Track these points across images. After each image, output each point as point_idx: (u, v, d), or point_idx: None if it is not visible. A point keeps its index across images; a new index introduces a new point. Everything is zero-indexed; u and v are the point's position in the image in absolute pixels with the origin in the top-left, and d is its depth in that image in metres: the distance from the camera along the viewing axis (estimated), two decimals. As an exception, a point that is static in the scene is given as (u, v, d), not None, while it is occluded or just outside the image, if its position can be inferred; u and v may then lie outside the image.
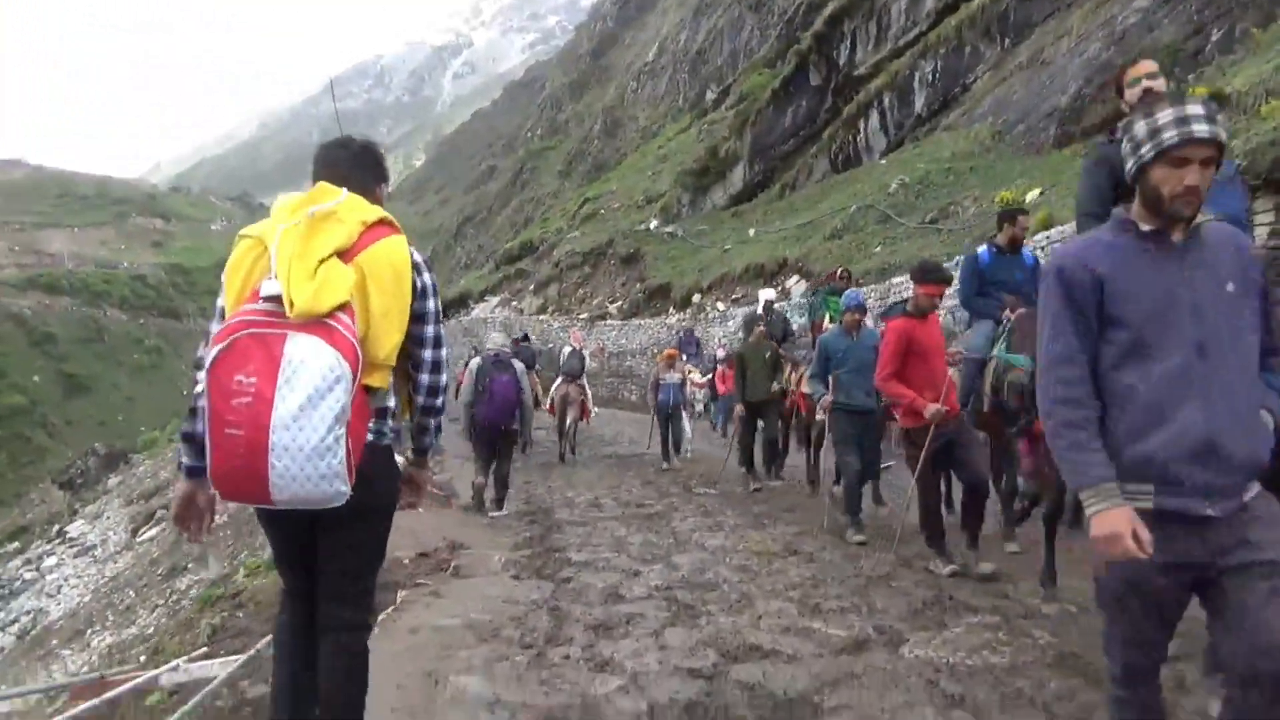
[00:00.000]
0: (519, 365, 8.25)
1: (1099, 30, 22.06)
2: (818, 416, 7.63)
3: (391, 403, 2.46)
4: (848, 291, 7.67)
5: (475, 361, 8.45)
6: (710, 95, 47.80)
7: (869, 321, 7.50)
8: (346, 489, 2.11)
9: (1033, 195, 15.10)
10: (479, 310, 39.21)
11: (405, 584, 5.45)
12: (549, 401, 13.06)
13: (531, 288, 36.46)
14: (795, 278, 21.25)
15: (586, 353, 15.70)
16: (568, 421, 12.73)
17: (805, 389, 7.89)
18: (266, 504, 2.12)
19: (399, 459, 2.63)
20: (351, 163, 2.56)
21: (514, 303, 37.55)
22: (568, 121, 77.30)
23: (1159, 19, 20.73)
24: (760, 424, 9.19)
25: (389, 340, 2.30)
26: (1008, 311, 5.68)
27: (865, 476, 6.68)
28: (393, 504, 2.54)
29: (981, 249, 6.48)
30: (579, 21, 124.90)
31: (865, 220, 21.27)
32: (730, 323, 21.56)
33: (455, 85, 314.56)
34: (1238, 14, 18.49)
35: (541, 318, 33.05)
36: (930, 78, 26.78)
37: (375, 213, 2.36)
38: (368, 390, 2.25)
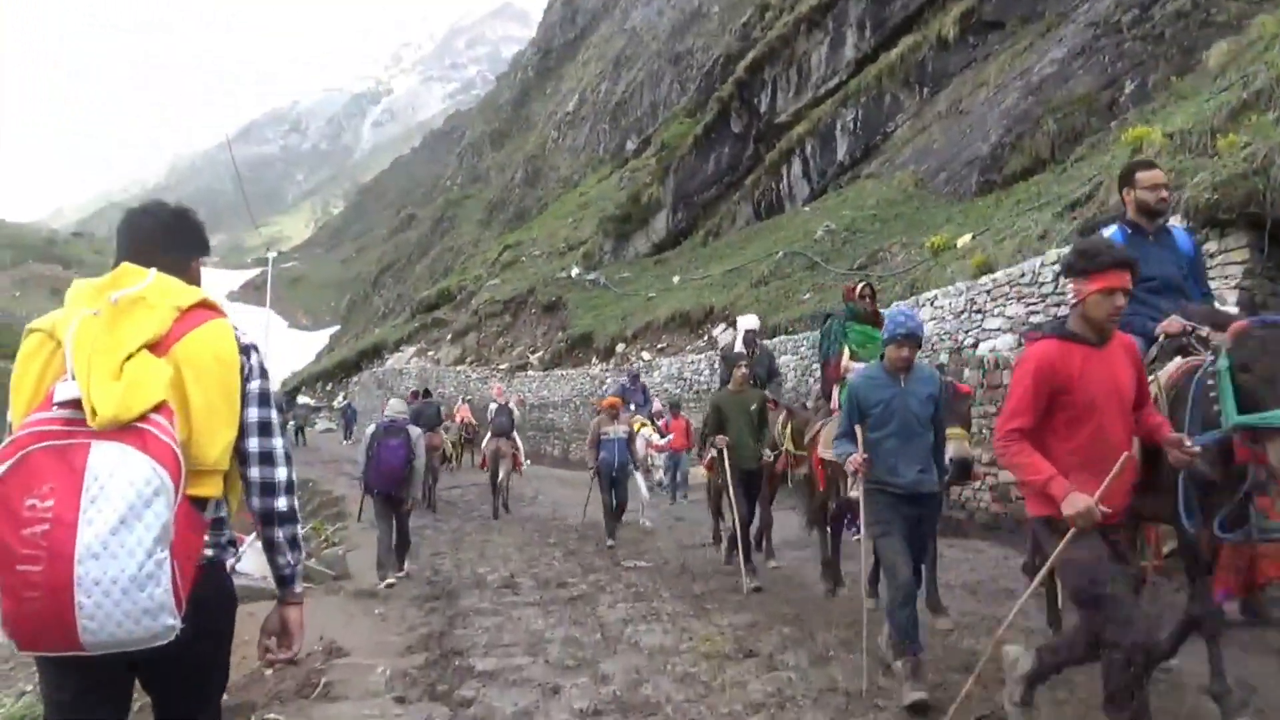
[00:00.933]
0: (414, 430, 8.12)
1: (1015, 80, 22.36)
2: (851, 493, 5.32)
3: (223, 513, 2.11)
4: (894, 311, 4.91)
5: (370, 428, 8.46)
6: (631, 145, 47.96)
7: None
8: (176, 622, 1.80)
9: (964, 240, 14.75)
10: (393, 361, 37.57)
11: (260, 710, 4.24)
12: (480, 457, 13.24)
13: (449, 337, 35.07)
14: (722, 326, 20.55)
15: (513, 405, 15.41)
16: (500, 475, 12.59)
17: (826, 453, 5.70)
18: (76, 651, 1.76)
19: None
20: (161, 234, 2.21)
21: (430, 353, 36.05)
22: (489, 170, 77.62)
23: (1074, 70, 21.09)
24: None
25: (218, 440, 1.99)
26: (1171, 324, 3.68)
27: (915, 587, 4.38)
28: (230, 627, 2.16)
29: (1111, 229, 4.07)
30: (500, 71, 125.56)
31: (792, 267, 20.81)
32: (656, 373, 20.69)
33: (374, 133, 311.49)
34: (1149, 65, 18.83)
35: (460, 368, 31.67)
36: (852, 126, 26.85)
37: (191, 295, 2.07)
38: (196, 502, 1.93)
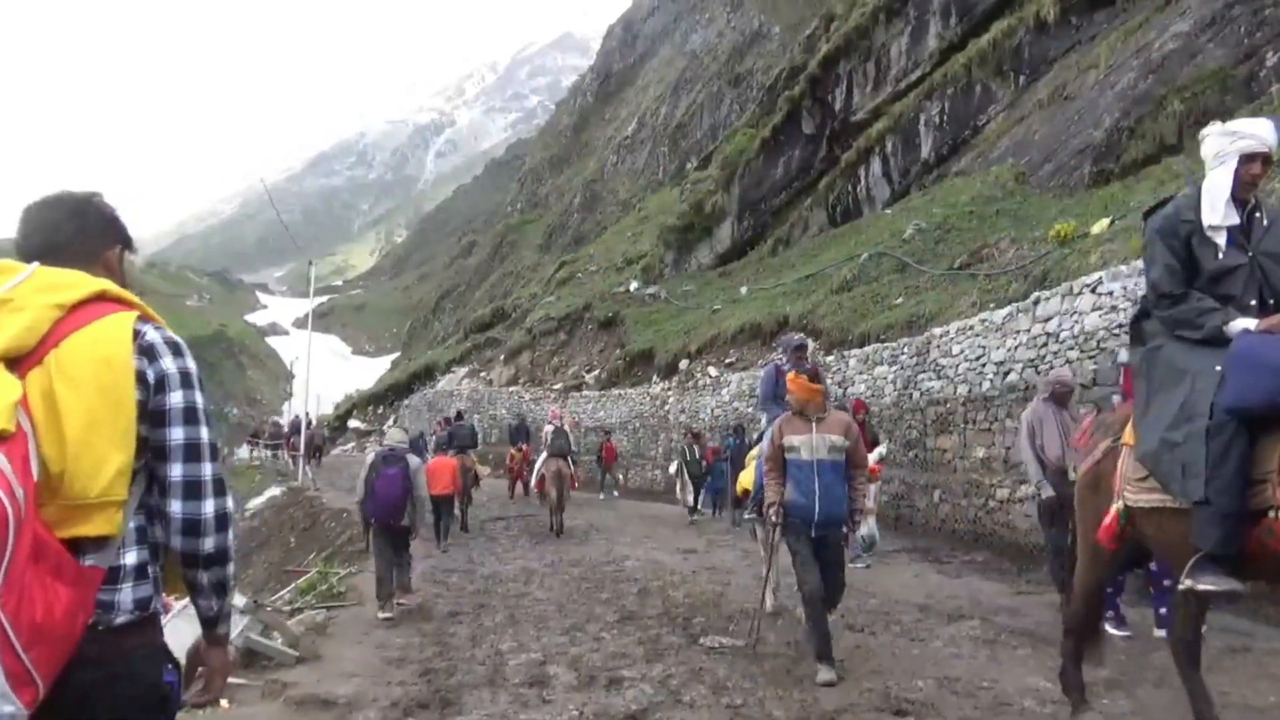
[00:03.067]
0: (413, 460, 7.91)
1: (1133, 60, 19.76)
2: None
3: (132, 559, 1.70)
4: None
5: (369, 458, 8.24)
6: (691, 166, 46.41)
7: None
8: (14, 708, 1.42)
9: (1101, 226, 12.19)
10: (444, 383, 35.95)
11: None
12: (535, 478, 13.18)
13: (502, 357, 33.27)
14: (798, 336, 18.17)
15: (567, 427, 15.32)
16: (557, 495, 12.61)
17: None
18: None
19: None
20: (65, 225, 1.88)
21: (483, 373, 34.30)
22: (548, 196, 78.35)
23: (1202, 44, 18.45)
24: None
25: (105, 464, 1.61)
26: None
27: None
28: (160, 704, 1.71)
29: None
30: (560, 100, 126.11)
31: (879, 270, 18.39)
32: (725, 390, 18.40)
33: (437, 163, 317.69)
34: (1298, 32, 16.13)
35: (512, 389, 29.79)
36: (937, 120, 24.37)
37: (86, 288, 1.73)
38: (76, 546, 1.57)
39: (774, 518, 5.15)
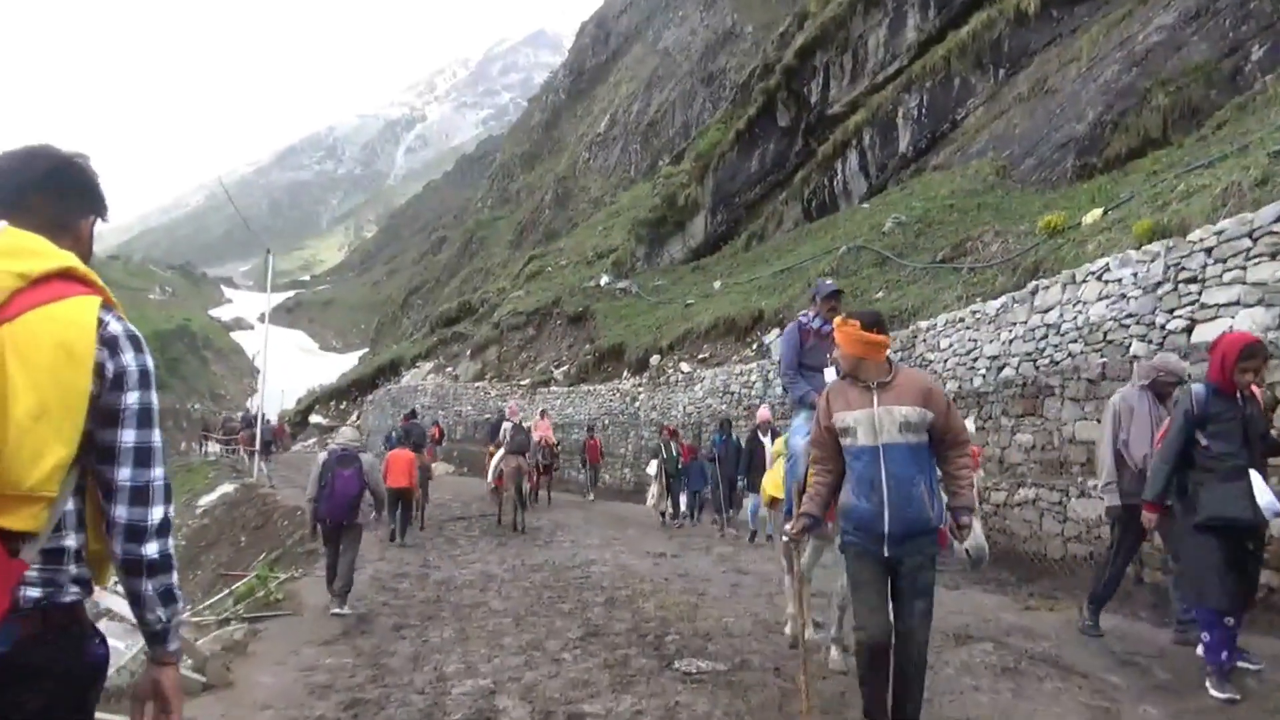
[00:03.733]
0: (366, 459, 7.87)
1: (1116, 52, 19.40)
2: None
3: (73, 541, 1.64)
4: None
5: (322, 456, 7.99)
6: (663, 163, 45.95)
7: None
8: None
9: (1093, 216, 11.65)
10: (409, 378, 34.93)
11: None
12: (493, 475, 13.13)
13: (469, 352, 32.34)
14: (775, 332, 17.55)
15: (529, 426, 15.42)
16: (523, 491, 12.78)
17: None
18: None
19: None
20: (35, 184, 1.74)
21: (449, 369, 33.34)
22: (519, 192, 78.18)
23: (1187, 36, 18.11)
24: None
25: (46, 456, 1.53)
26: None
27: None
28: (98, 678, 1.70)
29: None
30: (532, 96, 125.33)
31: (858, 263, 17.83)
32: (698, 387, 17.72)
33: (407, 158, 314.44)
34: (1283, 27, 15.81)
35: (479, 384, 28.89)
36: (916, 113, 23.90)
37: (53, 260, 1.63)
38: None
39: (794, 529, 3.76)
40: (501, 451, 13.35)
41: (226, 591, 8.61)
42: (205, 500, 21.50)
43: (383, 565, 10.12)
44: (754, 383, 15.74)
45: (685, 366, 19.22)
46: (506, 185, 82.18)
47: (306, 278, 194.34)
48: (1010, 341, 8.81)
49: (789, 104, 27.30)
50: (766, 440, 10.32)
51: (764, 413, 11.29)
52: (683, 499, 14.15)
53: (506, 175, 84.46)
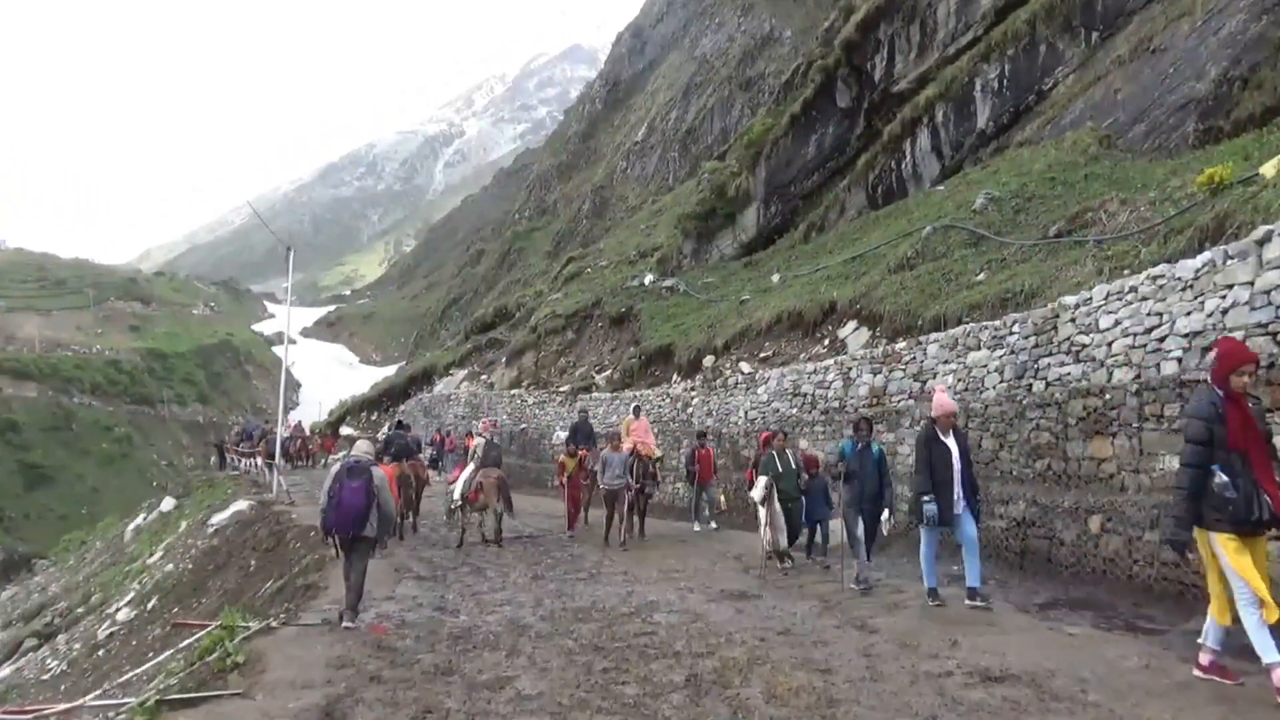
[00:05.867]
0: (377, 472, 7.61)
1: (1239, 0, 16.83)
2: None
3: None
4: None
5: (334, 467, 7.87)
6: (702, 170, 44.18)
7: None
8: None
9: (1272, 166, 9.20)
10: (442, 386, 33.04)
11: None
12: (471, 489, 11.88)
13: (504, 358, 30.34)
14: (852, 325, 15.23)
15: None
16: (496, 507, 11.82)
17: None
18: None
19: None
20: None
21: (483, 376, 31.37)
22: (556, 203, 77.58)
23: (1328, -25, 15.54)
24: None
25: None
26: None
27: None
28: None
29: None
30: (568, 107, 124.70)
31: (946, 245, 15.43)
32: (761, 389, 15.44)
33: (446, 173, 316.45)
34: None
35: (514, 392, 26.85)
36: (996, 85, 21.44)
37: None
38: None
39: None
40: (472, 467, 12.32)
41: (171, 652, 6.54)
42: (218, 519, 19.66)
43: (390, 606, 8.02)
44: (831, 382, 13.42)
45: (745, 366, 16.94)
46: (543, 196, 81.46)
47: (347, 292, 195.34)
48: (1224, 311, 6.47)
49: (849, 82, 24.99)
50: (950, 443, 6.86)
51: (947, 401, 7.18)
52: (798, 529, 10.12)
53: (543, 186, 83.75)
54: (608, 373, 23.39)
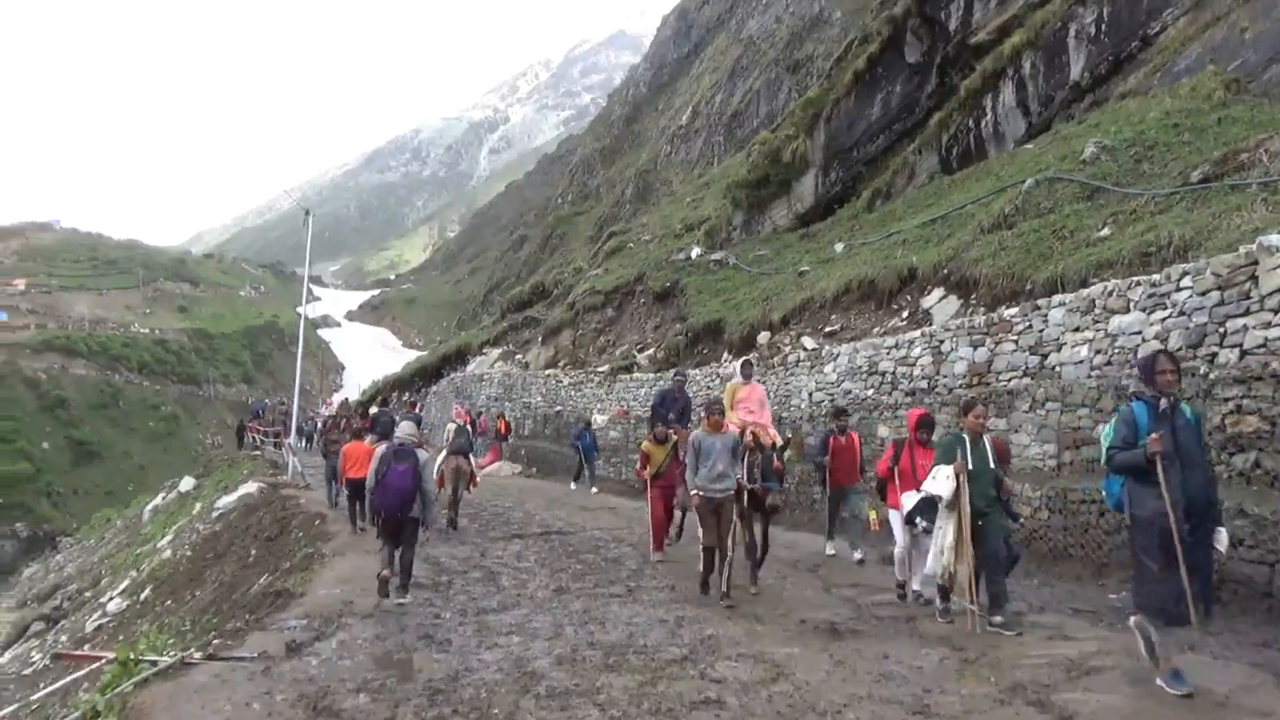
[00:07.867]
0: (422, 455, 7.73)
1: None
2: None
3: None
4: None
5: (380, 449, 7.88)
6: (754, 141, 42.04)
7: None
8: None
9: None
10: (475, 365, 31.32)
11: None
12: (435, 475, 11.12)
13: (540, 337, 28.49)
14: (939, 293, 12.99)
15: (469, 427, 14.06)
16: (453, 491, 11.76)
17: None
18: None
19: None
20: None
21: (518, 355, 29.57)
22: (599, 187, 77.24)
23: None
24: None
25: None
26: None
27: None
28: None
29: None
30: (612, 91, 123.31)
31: (1053, 199, 13.10)
32: (829, 367, 13.28)
33: (490, 159, 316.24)
34: None
35: (550, 372, 24.98)
36: (1092, 31, 18.89)
37: None
38: None
39: None
40: (444, 453, 12.25)
41: (45, 693, 4.69)
42: (224, 502, 18.12)
43: (364, 632, 6.12)
44: (918, 358, 11.23)
45: (809, 342, 14.79)
46: (586, 181, 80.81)
47: (392, 277, 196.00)
48: None
49: (921, 34, 22.54)
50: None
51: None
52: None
53: (587, 170, 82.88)
54: (650, 351, 21.37)
